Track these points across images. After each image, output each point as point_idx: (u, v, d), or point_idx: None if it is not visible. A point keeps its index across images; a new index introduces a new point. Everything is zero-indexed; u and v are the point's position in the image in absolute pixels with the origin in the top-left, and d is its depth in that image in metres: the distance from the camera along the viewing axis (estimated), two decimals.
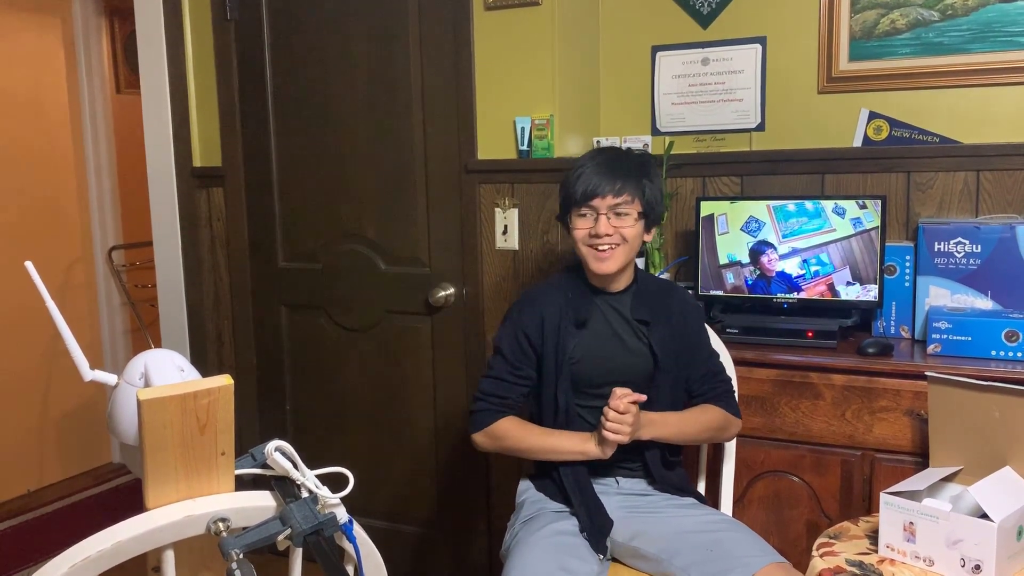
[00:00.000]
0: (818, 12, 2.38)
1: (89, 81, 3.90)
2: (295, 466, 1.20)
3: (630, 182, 1.80)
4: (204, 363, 2.98)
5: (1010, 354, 1.96)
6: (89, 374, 1.22)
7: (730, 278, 2.33)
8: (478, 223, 2.50)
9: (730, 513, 2.00)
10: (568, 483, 1.83)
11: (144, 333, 3.94)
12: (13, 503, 3.62)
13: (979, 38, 2.24)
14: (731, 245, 2.31)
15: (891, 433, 1.99)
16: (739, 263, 2.31)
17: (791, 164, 2.41)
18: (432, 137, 2.55)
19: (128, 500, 3.62)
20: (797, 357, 2.08)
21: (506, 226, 2.46)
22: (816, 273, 2.25)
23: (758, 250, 2.28)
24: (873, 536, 1.71)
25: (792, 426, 2.08)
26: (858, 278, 2.20)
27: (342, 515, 1.21)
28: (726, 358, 2.03)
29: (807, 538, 2.04)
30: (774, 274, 2.27)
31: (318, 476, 1.22)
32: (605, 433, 1.73)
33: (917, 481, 1.69)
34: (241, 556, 1.09)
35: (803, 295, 2.26)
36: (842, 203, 2.21)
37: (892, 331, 2.24)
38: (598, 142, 2.56)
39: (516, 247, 2.46)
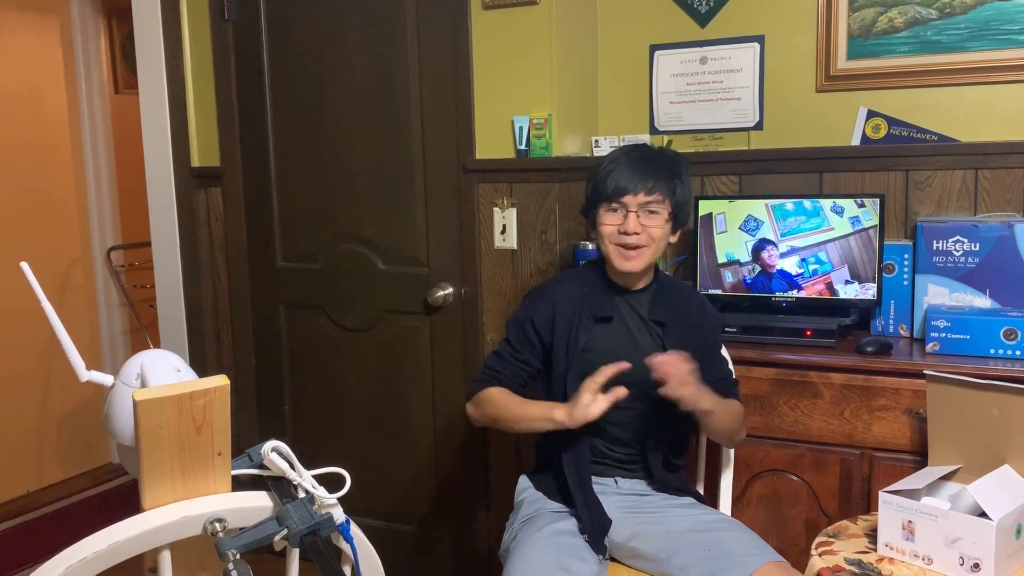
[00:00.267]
0: (816, 11, 2.38)
1: (87, 81, 3.90)
2: (292, 466, 1.20)
3: (662, 182, 1.79)
4: (203, 363, 2.98)
5: (1009, 352, 1.96)
6: (85, 375, 1.21)
7: (728, 277, 2.32)
8: (476, 223, 2.49)
9: (729, 512, 1.99)
10: (572, 481, 1.82)
11: (143, 333, 3.94)
12: (13, 504, 3.61)
13: (977, 36, 2.24)
14: (729, 244, 2.31)
15: (890, 432, 1.99)
16: (737, 262, 2.31)
17: (789, 163, 2.41)
18: (430, 136, 2.55)
19: (128, 501, 3.61)
20: (796, 356, 2.08)
21: (504, 226, 2.46)
22: (815, 272, 2.24)
23: (759, 247, 2.28)
24: (872, 535, 1.71)
25: (791, 425, 2.08)
26: (857, 277, 2.20)
27: (339, 515, 1.20)
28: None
29: (806, 537, 2.04)
30: (775, 270, 2.27)
31: (315, 476, 1.21)
32: (575, 404, 1.68)
33: (916, 480, 1.69)
34: (238, 557, 1.09)
35: (802, 294, 2.26)
36: (840, 202, 2.21)
37: (891, 330, 2.24)
38: (596, 141, 2.56)
39: (514, 246, 2.46)
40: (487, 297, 2.52)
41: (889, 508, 1.62)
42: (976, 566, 1.52)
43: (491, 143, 2.45)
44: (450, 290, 2.56)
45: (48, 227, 3.80)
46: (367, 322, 2.73)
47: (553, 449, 1.87)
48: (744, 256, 2.30)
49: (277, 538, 1.15)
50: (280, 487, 1.20)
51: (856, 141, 2.37)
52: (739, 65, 2.48)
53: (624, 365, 1.68)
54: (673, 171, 1.82)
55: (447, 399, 2.64)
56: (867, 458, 2.02)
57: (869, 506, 2.00)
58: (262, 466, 1.22)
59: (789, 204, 2.25)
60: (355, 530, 1.24)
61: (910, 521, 1.60)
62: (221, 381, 1.11)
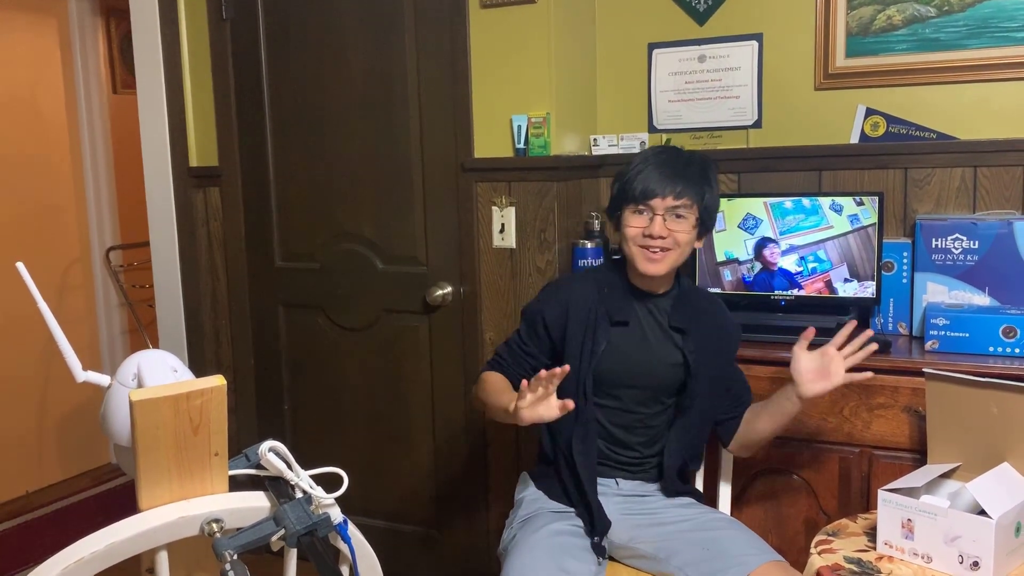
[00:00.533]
0: (814, 9, 2.38)
1: (85, 81, 3.89)
2: (289, 466, 1.20)
3: (691, 186, 1.75)
4: (202, 363, 2.97)
5: (1008, 350, 1.96)
6: (82, 375, 1.21)
7: (727, 275, 2.32)
8: (475, 222, 2.49)
9: (728, 511, 1.99)
10: (584, 475, 1.80)
11: (142, 333, 3.93)
12: (12, 504, 3.61)
13: (976, 34, 2.24)
14: (728, 242, 2.31)
15: (889, 430, 1.98)
16: (736, 260, 2.31)
17: (788, 161, 2.40)
18: (429, 135, 2.54)
19: (127, 501, 3.61)
20: None
21: (503, 224, 2.46)
22: (814, 270, 2.24)
23: (761, 244, 2.28)
24: (871, 533, 1.71)
25: (790, 423, 2.07)
26: (856, 275, 2.20)
27: (336, 515, 1.20)
28: None
29: (805, 535, 2.04)
30: (776, 268, 2.27)
31: (312, 476, 1.21)
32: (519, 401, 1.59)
33: (915, 478, 1.69)
34: (235, 557, 1.09)
35: (801, 292, 2.25)
36: (839, 200, 2.20)
37: (890, 328, 2.23)
38: (595, 140, 2.55)
39: (513, 245, 2.46)
40: (486, 296, 2.52)
41: (888, 506, 1.62)
42: (975, 564, 1.52)
43: (489, 142, 2.45)
44: (449, 289, 2.56)
45: (46, 227, 3.79)
46: (366, 321, 2.73)
47: (557, 449, 1.87)
48: (743, 254, 2.30)
49: (274, 538, 1.15)
50: (277, 487, 1.20)
51: (855, 139, 2.37)
52: (738, 63, 2.48)
53: (565, 368, 1.55)
54: (703, 176, 1.78)
55: (446, 398, 2.63)
56: (866, 456, 2.02)
57: (868, 504, 2.00)
58: (259, 466, 1.22)
59: (788, 202, 2.25)
60: (353, 530, 1.24)
61: (909, 519, 1.59)
62: (217, 381, 1.11)
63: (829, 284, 2.23)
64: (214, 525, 1.13)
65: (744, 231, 2.29)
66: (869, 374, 1.75)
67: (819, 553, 1.67)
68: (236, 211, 2.87)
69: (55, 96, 3.82)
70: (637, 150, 2.54)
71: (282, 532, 1.14)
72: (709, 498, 1.98)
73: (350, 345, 2.77)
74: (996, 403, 1.70)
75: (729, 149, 2.49)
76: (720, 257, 2.32)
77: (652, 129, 2.60)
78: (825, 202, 2.22)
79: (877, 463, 2.00)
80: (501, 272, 2.49)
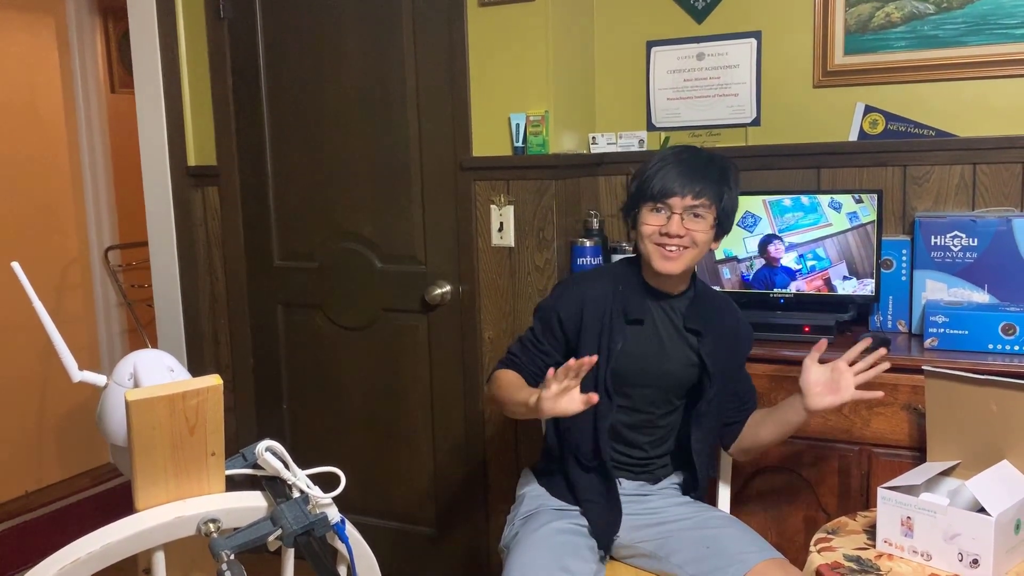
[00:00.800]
0: (813, 6, 2.37)
1: (83, 81, 3.89)
2: (286, 466, 1.19)
3: (710, 187, 1.74)
4: (201, 363, 2.97)
5: (1007, 347, 1.96)
6: (78, 375, 1.21)
7: (726, 273, 2.32)
8: (474, 220, 2.49)
9: (728, 509, 1.99)
10: (603, 474, 1.79)
11: (141, 333, 3.93)
12: (11, 504, 3.61)
13: (974, 31, 2.23)
14: (727, 240, 2.29)
15: (888, 428, 1.98)
16: (736, 258, 2.31)
17: (787, 159, 2.40)
18: (427, 134, 2.54)
19: (127, 501, 3.61)
20: (794, 352, 2.07)
21: (502, 223, 2.45)
22: (813, 268, 2.24)
23: (766, 241, 2.28)
24: (871, 531, 1.70)
25: (794, 433, 2.07)
26: (855, 272, 2.20)
27: (334, 515, 1.20)
28: None
29: (805, 533, 2.04)
30: (780, 265, 2.26)
31: (310, 476, 1.21)
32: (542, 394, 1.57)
33: (914, 475, 1.68)
34: (232, 557, 1.08)
35: (800, 290, 2.25)
36: (838, 197, 2.20)
37: (889, 325, 2.23)
38: (593, 138, 2.55)
39: (512, 244, 2.45)
40: (485, 295, 2.51)
41: (888, 504, 1.62)
42: (975, 562, 1.52)
43: (488, 140, 2.45)
44: (447, 288, 2.56)
45: (45, 227, 3.79)
46: (365, 321, 2.73)
47: (565, 447, 1.85)
48: (742, 252, 2.30)
49: (271, 538, 1.15)
50: (274, 487, 1.19)
51: (854, 137, 2.36)
52: (736, 61, 2.47)
53: (593, 358, 1.52)
54: (723, 177, 1.77)
55: (445, 397, 2.63)
56: (866, 454, 2.01)
57: (868, 502, 2.00)
58: (256, 466, 1.22)
59: (787, 200, 2.25)
60: (350, 529, 1.24)
61: (909, 517, 1.59)
62: (214, 381, 1.11)
63: (828, 282, 2.22)
64: (211, 525, 1.12)
65: (743, 229, 2.29)
66: (880, 394, 1.73)
67: (819, 551, 1.66)
68: (234, 210, 2.87)
69: (53, 95, 3.81)
70: (636, 148, 2.54)
71: (279, 532, 1.14)
72: (709, 496, 1.98)
73: (349, 344, 2.77)
74: (995, 400, 1.70)
75: (728, 147, 2.49)
76: (719, 255, 2.31)
77: (651, 127, 2.59)
78: (824, 200, 2.21)
79: (876, 461, 2.00)
80: (500, 271, 2.48)
